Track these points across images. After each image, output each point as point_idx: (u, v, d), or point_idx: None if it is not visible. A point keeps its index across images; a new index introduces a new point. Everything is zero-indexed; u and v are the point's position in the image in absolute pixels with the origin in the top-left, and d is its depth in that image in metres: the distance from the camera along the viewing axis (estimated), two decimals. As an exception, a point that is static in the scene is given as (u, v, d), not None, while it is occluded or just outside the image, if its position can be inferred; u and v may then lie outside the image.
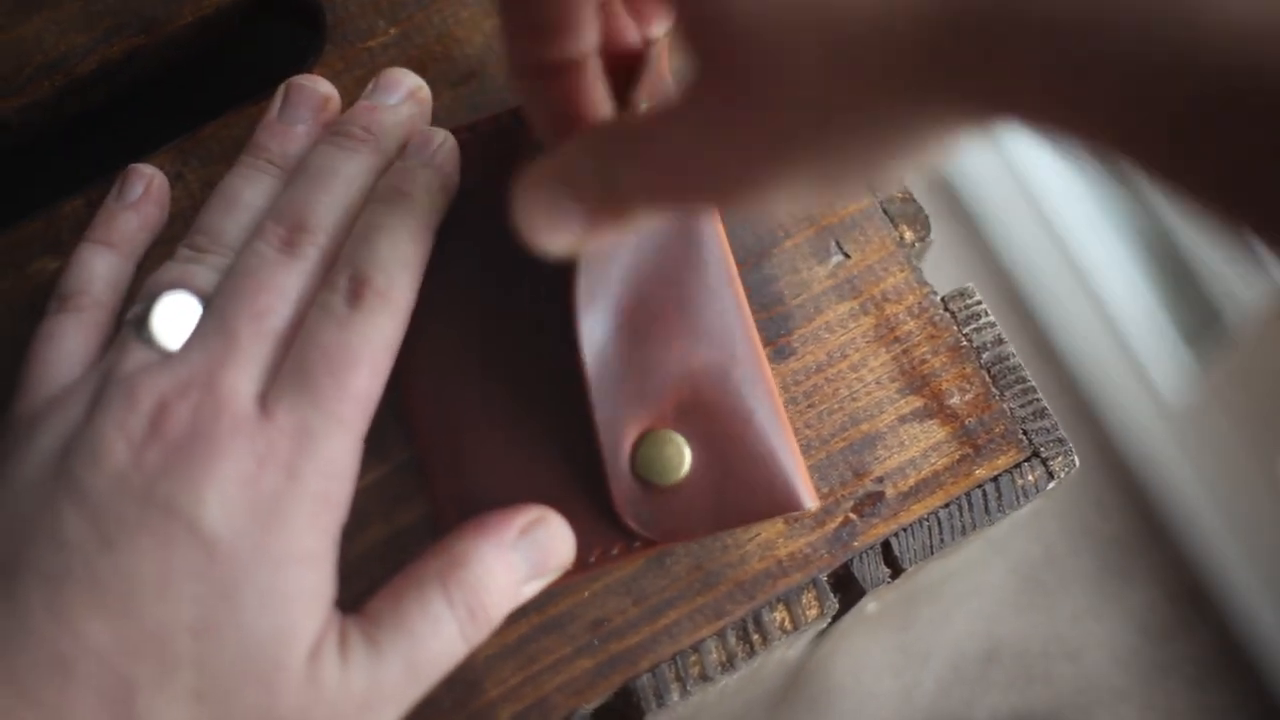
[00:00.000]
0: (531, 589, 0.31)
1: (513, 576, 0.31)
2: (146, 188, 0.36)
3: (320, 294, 0.31)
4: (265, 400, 0.30)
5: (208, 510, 0.28)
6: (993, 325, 0.36)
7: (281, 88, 0.36)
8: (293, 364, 0.30)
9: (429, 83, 0.37)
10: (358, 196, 0.33)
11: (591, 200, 0.27)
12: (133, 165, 0.36)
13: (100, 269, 0.34)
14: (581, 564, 0.32)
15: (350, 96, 0.37)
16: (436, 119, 0.37)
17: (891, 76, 0.22)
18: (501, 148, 0.36)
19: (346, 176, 0.33)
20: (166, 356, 0.31)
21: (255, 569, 0.28)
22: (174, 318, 0.32)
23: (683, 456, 0.32)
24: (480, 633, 0.31)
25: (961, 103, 0.22)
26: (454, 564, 0.31)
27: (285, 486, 0.29)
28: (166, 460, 0.29)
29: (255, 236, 0.32)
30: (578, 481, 0.33)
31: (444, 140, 0.34)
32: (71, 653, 0.27)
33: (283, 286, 0.31)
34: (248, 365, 0.30)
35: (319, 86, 0.36)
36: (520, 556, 0.31)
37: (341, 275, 0.31)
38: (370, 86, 0.36)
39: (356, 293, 0.31)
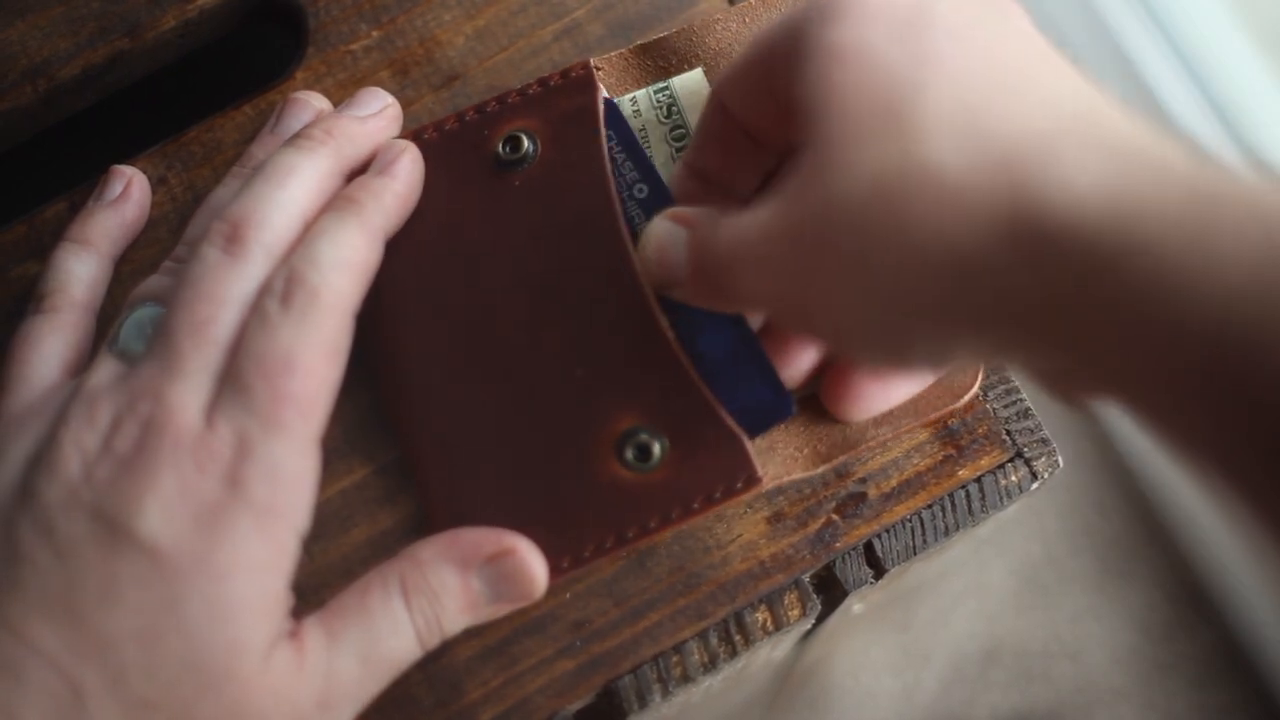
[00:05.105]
0: (494, 612, 0.32)
1: (469, 598, 0.31)
2: (126, 187, 0.36)
3: (258, 298, 0.31)
4: (210, 411, 0.30)
5: (148, 521, 0.28)
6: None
7: (280, 102, 0.36)
8: (231, 371, 0.30)
9: (411, 86, 0.37)
10: (310, 194, 0.33)
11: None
12: (114, 166, 0.36)
13: (75, 268, 0.34)
14: (576, 559, 0.32)
15: (333, 99, 0.37)
16: (419, 122, 0.37)
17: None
18: (468, 145, 0.35)
19: (298, 173, 0.33)
20: (130, 369, 0.31)
21: (198, 579, 0.28)
22: (143, 330, 0.32)
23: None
24: (433, 639, 0.31)
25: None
26: (417, 569, 0.31)
27: (227, 496, 0.29)
28: (114, 475, 0.29)
29: (202, 238, 0.32)
30: (568, 478, 0.33)
31: (403, 149, 0.34)
32: (20, 657, 0.28)
33: (223, 293, 0.31)
34: (192, 377, 0.30)
35: (314, 100, 0.36)
36: (481, 582, 0.31)
37: (278, 278, 0.31)
38: (344, 104, 0.36)
39: (288, 292, 0.30)
